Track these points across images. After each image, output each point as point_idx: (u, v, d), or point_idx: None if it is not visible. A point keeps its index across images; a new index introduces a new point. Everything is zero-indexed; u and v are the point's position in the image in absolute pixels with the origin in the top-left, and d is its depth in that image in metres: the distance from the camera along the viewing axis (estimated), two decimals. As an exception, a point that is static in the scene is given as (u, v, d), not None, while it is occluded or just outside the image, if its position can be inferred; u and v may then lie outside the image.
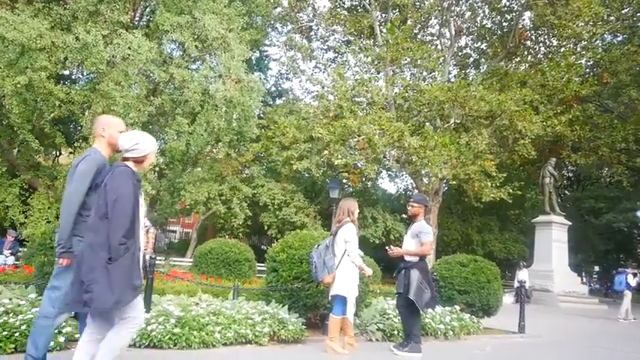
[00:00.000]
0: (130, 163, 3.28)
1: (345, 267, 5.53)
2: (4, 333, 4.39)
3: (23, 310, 4.72)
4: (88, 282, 2.99)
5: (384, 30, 20.73)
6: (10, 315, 4.60)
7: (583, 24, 19.48)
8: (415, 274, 5.74)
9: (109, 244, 3.02)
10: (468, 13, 23.01)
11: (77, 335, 4.87)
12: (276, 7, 22.18)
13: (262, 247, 25.73)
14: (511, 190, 18.61)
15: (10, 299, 4.93)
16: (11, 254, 12.23)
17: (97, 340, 3.16)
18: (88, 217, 3.24)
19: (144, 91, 15.38)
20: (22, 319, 4.56)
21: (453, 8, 22.06)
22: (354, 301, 5.68)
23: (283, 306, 6.28)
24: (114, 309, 3.06)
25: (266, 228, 20.15)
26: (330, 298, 5.66)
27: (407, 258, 5.92)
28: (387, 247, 6.10)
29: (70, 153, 18.38)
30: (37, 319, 3.50)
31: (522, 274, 18.15)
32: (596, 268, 37.88)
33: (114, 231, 3.03)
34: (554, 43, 22.06)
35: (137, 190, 3.22)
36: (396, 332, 6.65)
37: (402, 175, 27.03)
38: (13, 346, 4.39)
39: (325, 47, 25.26)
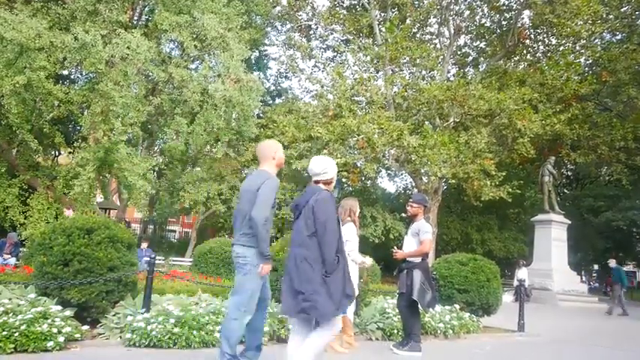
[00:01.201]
0: (321, 186, 3.75)
1: (345, 266, 5.54)
2: (4, 333, 4.39)
3: (23, 310, 4.72)
4: (309, 293, 3.42)
5: (383, 29, 20.72)
6: (10, 315, 4.59)
7: (582, 23, 19.48)
8: (417, 275, 5.75)
9: (323, 259, 3.48)
10: (467, 12, 23.01)
11: (77, 335, 4.88)
12: (275, 6, 22.17)
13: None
14: (510, 189, 18.61)
15: (10, 299, 4.93)
16: (11, 256, 12.20)
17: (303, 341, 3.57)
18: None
19: (143, 90, 15.38)
20: (21, 319, 4.56)
21: (452, 7, 22.06)
22: (354, 299, 5.69)
23: (283, 305, 6.28)
24: (335, 316, 3.47)
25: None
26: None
27: (408, 258, 5.93)
28: (391, 250, 6.11)
29: (70, 153, 18.39)
30: (227, 322, 4.00)
31: (522, 273, 18.16)
32: (596, 267, 37.91)
33: (328, 248, 3.49)
34: (554, 41, 22.08)
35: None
36: (395, 331, 6.65)
37: (402, 174, 27.06)
38: (12, 346, 4.39)
39: (324, 46, 25.26)
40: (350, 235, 5.62)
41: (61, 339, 4.62)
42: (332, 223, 3.55)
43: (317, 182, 3.78)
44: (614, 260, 17.08)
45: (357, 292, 5.75)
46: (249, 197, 3.95)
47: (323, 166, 3.76)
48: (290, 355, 3.53)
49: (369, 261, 5.84)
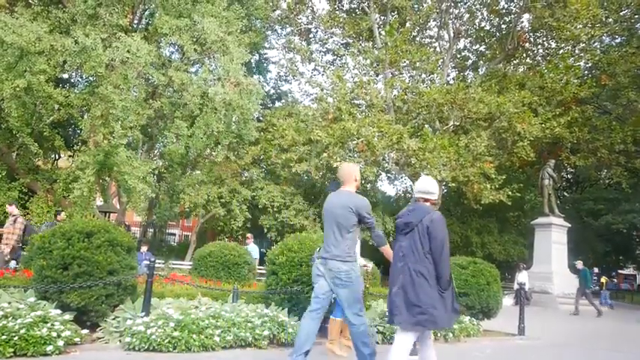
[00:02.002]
0: (427, 204, 4.07)
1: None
2: (3, 337, 4.39)
3: (22, 314, 4.71)
4: (426, 306, 3.75)
5: (383, 32, 20.76)
6: (9, 319, 4.59)
7: (581, 26, 19.53)
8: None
9: (439, 276, 3.81)
10: (467, 16, 23.07)
11: (76, 339, 4.87)
12: (275, 10, 22.20)
13: (262, 249, 25.71)
14: (510, 192, 18.61)
15: (10, 303, 4.92)
16: (12, 259, 12.16)
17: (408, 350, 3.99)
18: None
19: (143, 94, 15.40)
20: (21, 323, 4.56)
21: (451, 11, 22.11)
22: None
23: (283, 309, 6.28)
24: (449, 327, 3.99)
25: (265, 231, 20.14)
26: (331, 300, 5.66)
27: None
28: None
29: (70, 156, 18.39)
30: (356, 331, 4.36)
31: (522, 276, 18.12)
32: (596, 270, 37.87)
33: (444, 267, 3.84)
34: (553, 45, 22.13)
35: None
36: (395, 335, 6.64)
37: (402, 178, 27.03)
38: (12, 350, 4.39)
39: (324, 50, 25.30)
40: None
41: (60, 343, 4.62)
42: (446, 244, 3.88)
43: (426, 200, 4.10)
44: (581, 262, 17.35)
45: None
46: (345, 214, 4.34)
47: (435, 187, 4.16)
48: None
49: (370, 265, 5.84)
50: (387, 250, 4.45)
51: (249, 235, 15.25)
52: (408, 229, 3.96)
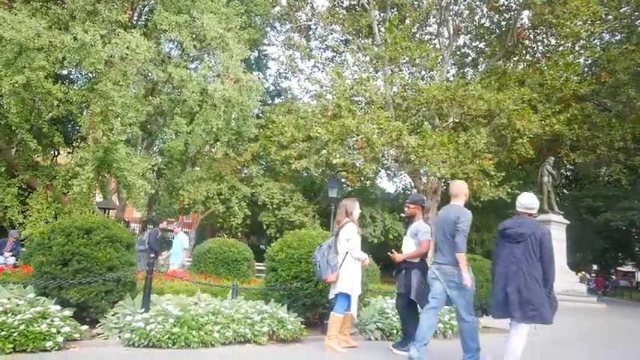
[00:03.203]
0: (526, 217, 4.77)
1: (348, 265, 5.61)
2: (3, 333, 4.40)
3: (22, 310, 4.72)
4: (537, 304, 4.48)
5: (383, 29, 20.72)
6: (9, 315, 4.60)
7: (581, 23, 19.50)
8: (416, 275, 5.76)
9: (547, 280, 4.58)
10: (467, 12, 23.02)
11: (76, 335, 4.88)
12: (274, 7, 22.15)
13: (261, 246, 25.71)
14: (510, 189, 18.58)
15: (9, 299, 4.93)
16: (12, 255, 12.18)
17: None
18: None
19: (142, 90, 15.38)
20: (20, 319, 4.56)
21: (451, 7, 22.06)
22: (357, 298, 5.73)
23: (282, 305, 6.29)
24: (551, 323, 4.63)
25: (265, 227, 20.15)
26: (333, 296, 5.69)
27: (407, 259, 5.93)
28: (389, 253, 6.11)
29: (69, 152, 18.36)
30: (466, 327, 5.00)
31: (521, 273, 18.15)
32: (595, 267, 37.95)
33: (551, 273, 4.61)
34: (553, 42, 22.08)
35: None
36: (395, 331, 6.66)
37: (401, 175, 27.00)
38: (11, 346, 4.39)
39: (324, 46, 25.26)
40: (351, 234, 5.67)
41: (59, 339, 4.62)
42: (553, 254, 4.68)
43: (529, 215, 4.80)
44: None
45: (360, 291, 5.78)
46: (451, 226, 5.01)
47: (537, 203, 4.88)
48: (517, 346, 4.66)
49: (365, 256, 5.86)
50: (462, 257, 4.91)
51: (174, 224, 14.45)
52: (520, 239, 4.64)
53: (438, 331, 7.16)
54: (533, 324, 4.71)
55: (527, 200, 4.82)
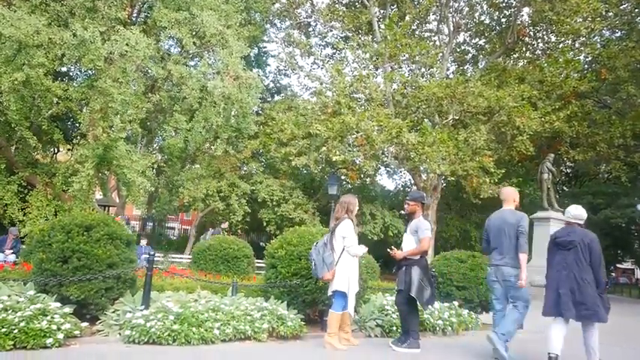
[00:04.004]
0: (575, 226, 5.30)
1: (344, 263, 5.58)
2: (3, 330, 4.40)
3: (22, 307, 4.73)
4: (591, 304, 4.94)
5: (383, 26, 20.69)
6: (9, 312, 4.60)
7: (581, 20, 19.46)
8: (416, 272, 5.76)
9: (598, 282, 5.02)
10: (467, 9, 22.99)
11: (76, 332, 4.88)
12: (274, 3, 22.11)
13: (261, 243, 25.74)
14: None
15: (9, 296, 4.94)
16: (12, 252, 12.20)
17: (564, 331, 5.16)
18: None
19: (142, 87, 15.37)
20: (20, 315, 4.57)
21: (451, 4, 22.02)
22: (355, 296, 5.73)
23: (282, 302, 6.30)
24: (605, 321, 5.02)
25: (265, 224, 20.16)
26: (330, 293, 5.69)
27: (408, 256, 5.93)
28: (389, 249, 6.12)
29: (69, 150, 18.37)
30: (515, 313, 5.48)
31: (520, 270, 18.15)
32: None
33: (602, 275, 5.06)
34: (553, 39, 22.05)
35: None
36: (394, 328, 6.67)
37: (401, 172, 27.03)
38: (11, 342, 4.40)
39: (323, 43, 25.23)
40: (347, 231, 5.64)
41: (60, 336, 4.63)
42: (602, 257, 5.13)
43: (579, 225, 5.30)
44: None
45: (357, 288, 5.78)
46: (512, 229, 5.49)
47: (584, 214, 5.37)
48: (557, 340, 5.11)
49: (363, 249, 5.86)
50: (524, 257, 5.43)
51: (118, 217, 14.16)
52: (571, 246, 5.13)
53: (438, 328, 7.17)
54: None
55: (576, 212, 5.36)
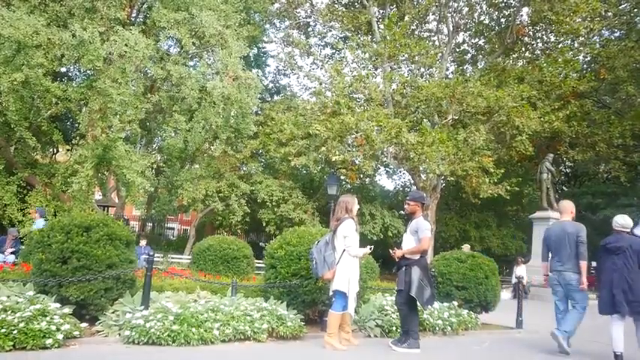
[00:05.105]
0: (623, 234, 5.97)
1: (345, 263, 5.57)
2: (3, 330, 4.40)
3: (21, 307, 4.72)
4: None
5: (382, 26, 20.70)
6: (9, 313, 4.60)
7: (580, 20, 19.47)
8: (416, 272, 5.75)
9: None
10: (466, 9, 22.97)
11: (76, 333, 4.88)
12: (273, 3, 22.12)
13: (260, 243, 25.73)
14: (509, 187, 18.61)
15: (9, 297, 4.93)
16: (12, 253, 12.17)
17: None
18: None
19: (141, 88, 15.36)
20: (20, 316, 4.56)
21: (450, 4, 22.02)
22: (355, 296, 5.72)
23: (282, 302, 6.29)
24: None
25: (264, 225, 20.15)
26: (331, 293, 5.68)
27: (407, 255, 5.92)
28: (390, 250, 6.11)
29: (68, 150, 18.35)
30: (575, 313, 6.26)
31: (520, 270, 18.15)
32: (594, 264, 37.96)
33: None
34: (552, 39, 22.06)
35: None
36: (394, 328, 6.67)
37: (400, 172, 27.05)
38: (11, 343, 4.40)
39: (323, 43, 25.24)
40: (349, 230, 5.63)
41: (59, 336, 4.62)
42: None
43: (626, 232, 5.96)
44: (469, 246, 17.34)
45: (357, 289, 5.77)
46: (572, 239, 6.24)
47: (630, 223, 6.00)
48: (619, 339, 5.78)
49: (366, 250, 5.83)
50: (585, 265, 6.17)
51: (32, 210, 13.99)
52: (619, 252, 5.83)
53: (437, 328, 7.18)
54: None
55: (623, 221, 6.00)
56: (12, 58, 13.08)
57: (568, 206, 6.58)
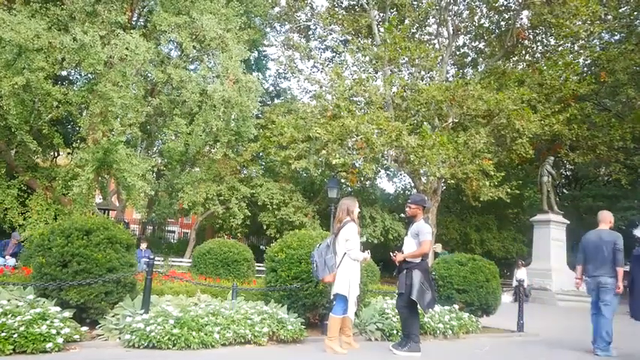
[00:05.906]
0: None
1: (346, 266, 5.56)
2: (3, 334, 4.38)
3: (22, 311, 4.71)
4: None
5: (382, 29, 20.75)
6: (9, 316, 4.59)
7: (580, 23, 19.52)
8: (417, 275, 5.74)
9: None
10: (466, 13, 23.03)
11: (76, 336, 4.87)
12: (274, 7, 22.18)
13: (261, 247, 25.72)
14: (509, 189, 18.62)
15: (9, 300, 4.92)
16: (12, 256, 12.18)
17: None
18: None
19: (142, 91, 15.38)
20: (20, 320, 4.55)
21: (450, 7, 22.09)
22: (356, 300, 5.71)
23: (282, 306, 6.28)
24: None
25: (265, 228, 20.14)
26: (332, 297, 5.67)
27: (408, 259, 5.92)
28: (390, 253, 6.11)
29: (68, 153, 18.36)
30: (603, 320, 6.56)
31: (521, 273, 18.13)
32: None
33: None
34: (552, 42, 22.11)
35: None
36: (395, 332, 6.65)
37: (401, 175, 27.07)
38: (11, 347, 4.39)
39: (323, 47, 25.29)
40: (350, 234, 5.62)
41: (59, 340, 4.61)
42: None
43: None
44: (440, 245, 17.27)
45: (358, 292, 5.76)
46: (608, 246, 6.55)
47: None
48: None
49: (367, 255, 5.83)
50: (620, 270, 6.46)
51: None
52: None
53: (438, 331, 7.16)
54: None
55: None
56: (13, 61, 13.10)
57: (607, 216, 7.00)
